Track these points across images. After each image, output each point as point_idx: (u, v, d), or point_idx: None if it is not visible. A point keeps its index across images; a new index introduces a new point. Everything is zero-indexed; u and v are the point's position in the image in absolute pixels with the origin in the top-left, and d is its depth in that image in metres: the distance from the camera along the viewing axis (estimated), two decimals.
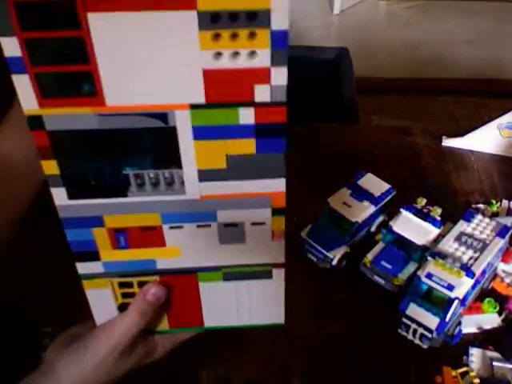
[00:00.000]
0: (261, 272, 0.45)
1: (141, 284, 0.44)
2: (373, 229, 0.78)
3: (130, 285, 0.44)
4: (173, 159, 0.37)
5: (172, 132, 0.35)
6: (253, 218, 0.41)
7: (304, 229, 0.75)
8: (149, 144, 0.36)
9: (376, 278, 0.71)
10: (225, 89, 0.33)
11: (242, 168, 0.37)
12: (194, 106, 0.34)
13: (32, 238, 0.73)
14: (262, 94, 0.34)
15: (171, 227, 0.40)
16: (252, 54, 0.32)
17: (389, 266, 0.70)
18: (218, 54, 0.32)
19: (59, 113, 0.34)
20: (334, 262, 0.72)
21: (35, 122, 0.34)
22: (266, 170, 0.38)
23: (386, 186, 0.78)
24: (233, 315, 0.48)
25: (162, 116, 0.34)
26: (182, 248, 0.42)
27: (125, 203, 0.38)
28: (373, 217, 0.76)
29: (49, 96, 0.33)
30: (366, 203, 0.74)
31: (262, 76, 0.33)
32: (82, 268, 0.42)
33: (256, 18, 0.31)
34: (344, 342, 0.67)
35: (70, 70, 0.32)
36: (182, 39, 0.31)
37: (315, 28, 2.51)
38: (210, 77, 0.33)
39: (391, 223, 0.73)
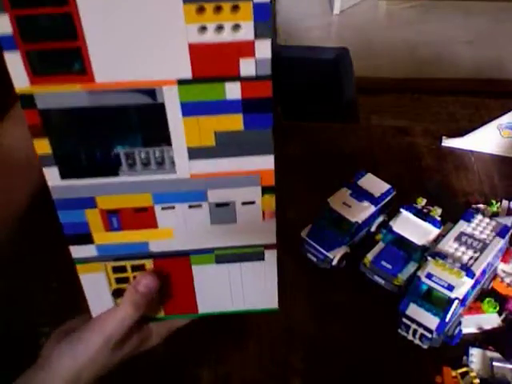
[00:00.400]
0: (253, 253, 0.45)
1: (134, 268, 0.44)
2: (373, 229, 0.78)
3: (123, 269, 0.44)
4: (163, 137, 0.37)
5: (161, 109, 0.36)
6: (243, 197, 0.41)
7: (304, 229, 0.75)
8: (139, 122, 0.36)
9: (376, 277, 0.71)
10: (211, 63, 0.34)
11: (230, 145, 0.38)
12: (181, 82, 0.34)
13: (31, 238, 0.73)
14: (247, 67, 0.34)
15: (163, 208, 0.41)
16: (236, 27, 0.33)
17: (389, 266, 0.70)
18: (203, 28, 0.33)
19: (50, 90, 0.34)
20: (334, 262, 0.72)
21: (27, 100, 0.34)
22: (254, 146, 0.38)
23: (386, 186, 0.78)
24: (226, 300, 0.48)
25: (151, 92, 0.35)
26: (175, 229, 0.42)
27: (116, 183, 0.39)
28: (373, 217, 0.76)
29: (40, 73, 0.33)
30: (366, 203, 0.74)
31: (247, 49, 0.34)
32: (76, 252, 0.42)
33: None
34: (344, 341, 0.67)
35: (59, 47, 0.33)
36: (167, 13, 0.32)
37: (315, 28, 2.51)
38: (195, 51, 0.33)
39: (391, 223, 0.73)
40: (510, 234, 0.69)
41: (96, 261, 0.43)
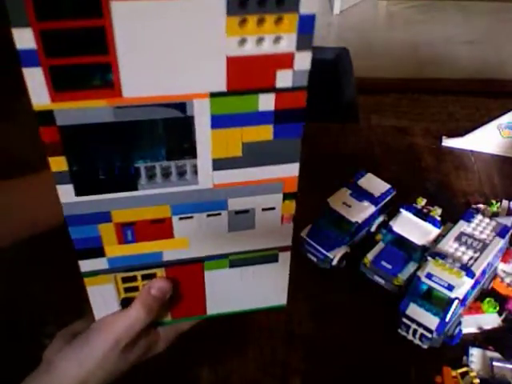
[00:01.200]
0: (267, 256, 0.44)
1: (145, 277, 0.43)
2: (373, 229, 0.78)
3: (133, 279, 0.43)
4: (187, 150, 0.36)
5: (189, 122, 0.34)
6: (264, 204, 0.40)
7: (304, 229, 0.75)
8: (164, 135, 0.35)
9: (376, 277, 0.71)
10: (247, 75, 0.33)
11: (257, 155, 0.37)
12: (213, 95, 0.33)
13: (32, 237, 0.73)
14: (283, 79, 0.33)
15: (181, 218, 0.39)
16: (277, 39, 0.32)
17: (389, 266, 0.70)
18: (243, 41, 0.31)
19: (72, 106, 0.32)
20: (334, 262, 0.72)
21: (45, 117, 0.32)
22: (282, 155, 0.37)
23: (386, 186, 0.78)
24: (236, 301, 0.47)
25: (181, 106, 0.33)
26: (190, 238, 0.41)
27: (134, 197, 0.37)
28: (373, 217, 0.76)
29: (62, 89, 0.31)
30: (365, 203, 0.74)
31: (286, 61, 0.33)
32: (85, 265, 0.41)
33: (284, 2, 0.30)
34: (344, 341, 0.67)
35: (87, 62, 0.30)
36: (209, 26, 0.30)
37: (315, 28, 2.51)
38: (233, 64, 0.32)
39: (391, 223, 0.73)
40: (510, 233, 0.69)
41: (106, 273, 0.42)
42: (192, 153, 0.36)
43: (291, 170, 0.38)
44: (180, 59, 0.31)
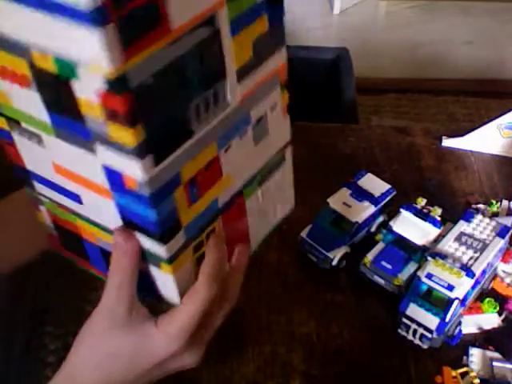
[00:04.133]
0: (279, 160, 0.47)
1: (207, 237, 0.43)
2: (373, 229, 0.78)
3: (201, 245, 0.42)
4: (218, 71, 0.37)
5: (218, 38, 0.36)
6: (271, 102, 0.44)
7: (304, 229, 0.75)
8: (202, 64, 0.36)
9: (376, 277, 0.71)
10: None
11: (260, 50, 0.40)
12: None
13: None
14: None
15: (225, 151, 0.41)
16: None
17: (389, 266, 0.70)
18: None
19: (137, 61, 0.31)
20: (334, 262, 0.72)
21: (119, 83, 0.31)
22: (275, 43, 0.42)
23: (386, 186, 0.78)
24: (266, 223, 0.49)
25: (211, 20, 0.35)
26: (232, 171, 0.42)
27: (192, 144, 0.38)
28: (373, 217, 0.76)
29: (129, 43, 0.30)
30: (366, 203, 0.74)
31: None
32: (169, 249, 0.39)
33: None
34: (344, 341, 0.67)
35: (142, 3, 0.30)
36: None
37: (315, 28, 2.51)
38: None
39: (391, 223, 0.73)
40: (510, 234, 0.69)
41: (183, 249, 0.41)
42: (222, 73, 0.38)
43: (282, 56, 0.43)
44: None
